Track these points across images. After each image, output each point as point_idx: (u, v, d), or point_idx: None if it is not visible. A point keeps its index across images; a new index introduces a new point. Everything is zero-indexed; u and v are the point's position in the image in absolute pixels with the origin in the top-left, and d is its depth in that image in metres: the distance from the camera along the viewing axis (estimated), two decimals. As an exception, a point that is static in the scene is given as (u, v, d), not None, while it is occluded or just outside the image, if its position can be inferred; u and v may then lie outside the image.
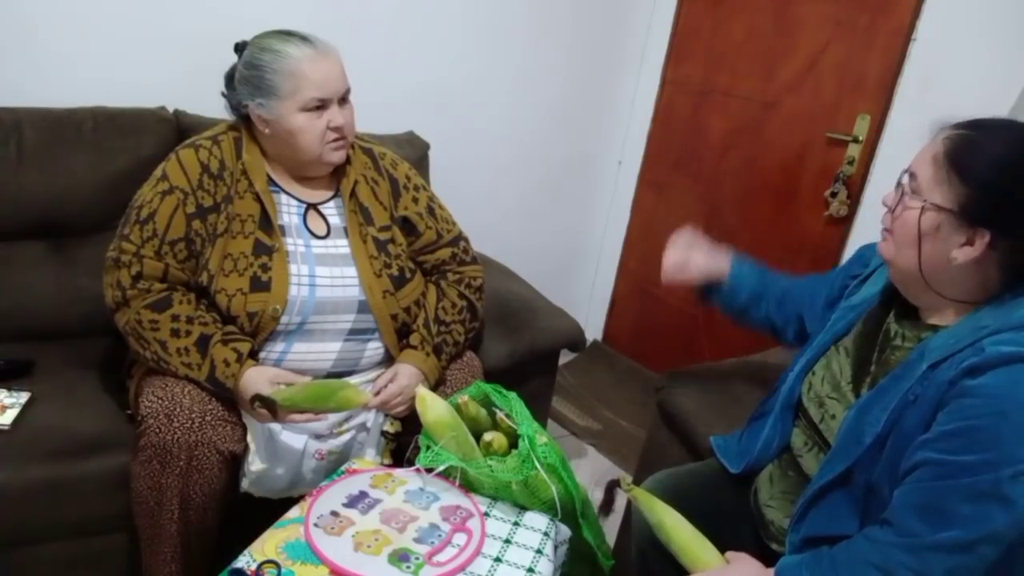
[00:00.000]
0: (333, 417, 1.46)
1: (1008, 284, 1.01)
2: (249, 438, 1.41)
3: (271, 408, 1.31)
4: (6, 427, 1.40)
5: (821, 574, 1.02)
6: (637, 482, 1.34)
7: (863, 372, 1.14)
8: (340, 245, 1.51)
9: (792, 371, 1.29)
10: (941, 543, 0.93)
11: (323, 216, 1.53)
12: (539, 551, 1.22)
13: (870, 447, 1.03)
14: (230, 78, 1.48)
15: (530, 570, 1.18)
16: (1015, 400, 0.91)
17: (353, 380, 1.51)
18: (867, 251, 1.33)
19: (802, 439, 1.23)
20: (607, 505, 1.38)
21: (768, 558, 1.19)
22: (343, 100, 1.46)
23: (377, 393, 1.47)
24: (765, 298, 1.44)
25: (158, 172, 1.46)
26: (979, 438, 0.92)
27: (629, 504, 1.44)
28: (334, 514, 1.21)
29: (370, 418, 1.53)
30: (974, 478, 0.92)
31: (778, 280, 1.45)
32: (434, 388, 1.52)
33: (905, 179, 1.06)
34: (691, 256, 1.43)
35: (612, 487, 1.30)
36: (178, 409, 1.32)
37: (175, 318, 1.38)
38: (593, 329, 3.10)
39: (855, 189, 2.20)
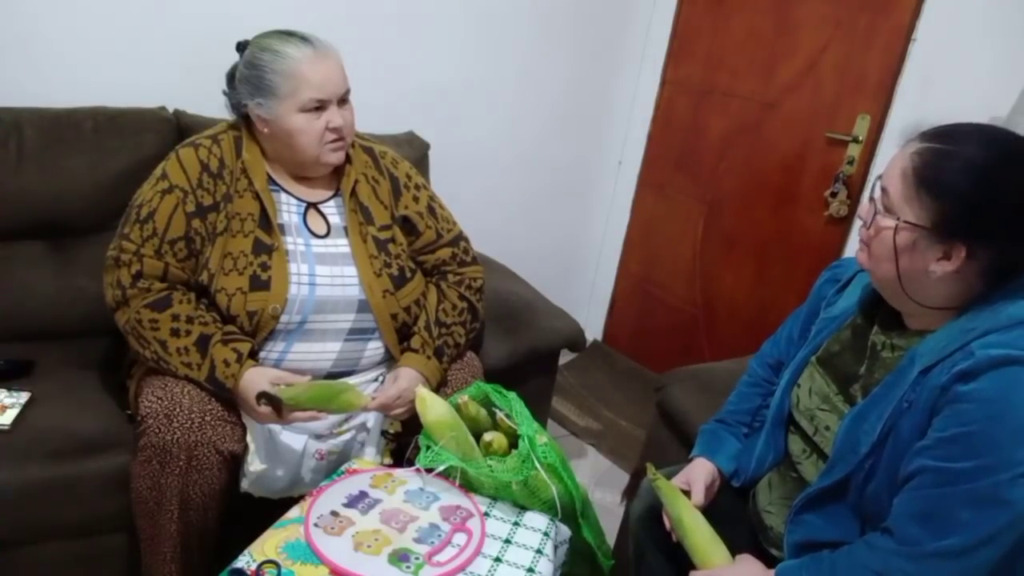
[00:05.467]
0: (333, 417, 1.46)
1: (990, 286, 1.01)
2: (249, 438, 1.40)
3: (276, 406, 1.31)
4: (6, 427, 1.40)
5: None
6: (635, 482, 1.34)
7: (851, 382, 1.14)
8: (340, 244, 1.51)
9: (779, 387, 1.29)
10: (942, 550, 0.93)
11: (323, 215, 1.53)
12: (539, 551, 1.22)
13: (867, 455, 1.03)
14: (231, 77, 1.48)
15: (530, 570, 1.18)
16: (1008, 403, 0.91)
17: (353, 380, 1.51)
18: (836, 268, 1.33)
19: (800, 446, 1.22)
20: (632, 492, 1.38)
21: (767, 562, 1.19)
22: (343, 101, 1.46)
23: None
24: (759, 411, 1.39)
25: (158, 171, 1.46)
26: (975, 443, 0.92)
27: (628, 504, 1.44)
28: (334, 514, 1.21)
29: (370, 418, 1.53)
30: (972, 484, 0.92)
31: (753, 399, 1.41)
32: (435, 389, 1.52)
33: (878, 193, 1.06)
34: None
35: (639, 472, 1.30)
36: (178, 409, 1.32)
37: (175, 317, 1.38)
38: (593, 329, 3.10)
39: (855, 189, 2.20)
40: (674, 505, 1.22)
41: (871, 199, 1.07)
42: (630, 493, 1.39)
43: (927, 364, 0.99)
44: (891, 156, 1.07)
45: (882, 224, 1.03)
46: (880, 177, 1.06)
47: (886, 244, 1.02)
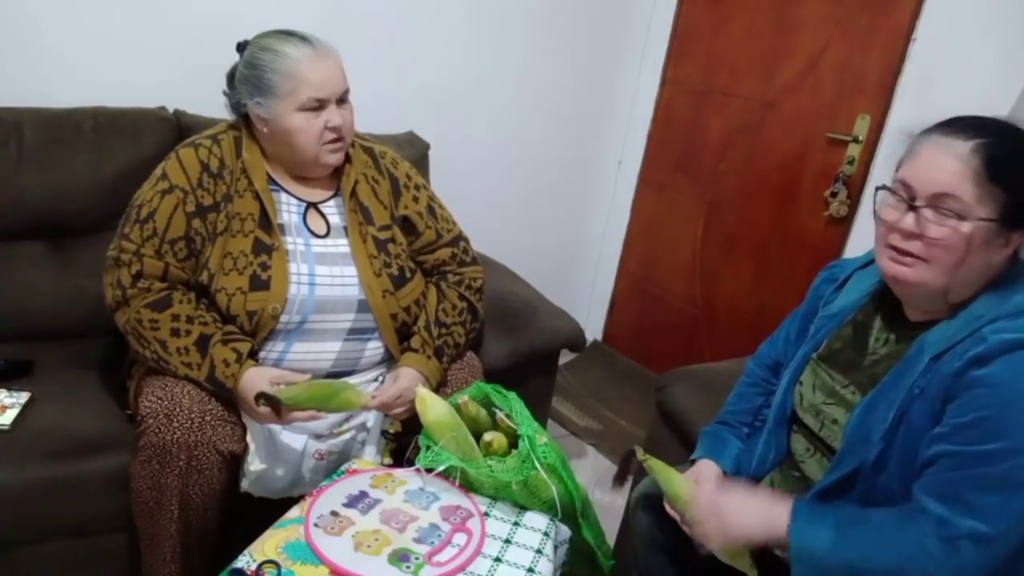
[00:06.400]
0: (333, 417, 1.46)
1: (1006, 273, 1.03)
2: (249, 438, 1.40)
3: (276, 406, 1.31)
4: (6, 427, 1.40)
5: (844, 530, 1.00)
6: (625, 467, 1.35)
7: (856, 375, 1.15)
8: (340, 244, 1.51)
9: (779, 386, 1.29)
10: (965, 532, 0.93)
11: (323, 215, 1.53)
12: (539, 551, 1.22)
13: (879, 444, 1.04)
14: (231, 77, 1.48)
15: (530, 570, 1.18)
16: (1022, 388, 0.92)
17: (353, 380, 1.51)
18: (833, 268, 1.33)
19: (803, 445, 1.23)
20: (621, 477, 1.38)
21: (768, 561, 1.19)
22: (342, 100, 1.46)
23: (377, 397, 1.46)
24: (759, 411, 1.39)
25: (158, 171, 1.46)
26: (991, 428, 0.93)
27: (628, 503, 1.44)
28: (334, 514, 1.21)
29: (370, 418, 1.53)
30: (991, 468, 0.93)
31: (752, 398, 1.41)
32: (435, 389, 1.52)
33: (921, 202, 1.00)
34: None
35: (628, 457, 1.30)
36: (178, 409, 1.32)
37: (175, 317, 1.38)
38: (593, 329, 3.10)
39: (855, 189, 2.20)
40: (668, 481, 1.23)
41: (913, 209, 1.01)
42: (619, 478, 1.39)
43: (937, 351, 1.00)
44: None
45: (953, 226, 0.99)
46: (907, 186, 1.02)
47: (958, 249, 0.99)
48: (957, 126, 1.02)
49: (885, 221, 1.05)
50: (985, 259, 1.00)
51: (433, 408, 1.30)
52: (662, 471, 1.24)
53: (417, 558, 1.14)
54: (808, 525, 1.03)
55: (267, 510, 1.31)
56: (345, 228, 1.53)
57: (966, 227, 0.98)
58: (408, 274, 1.57)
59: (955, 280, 1.02)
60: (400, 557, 1.14)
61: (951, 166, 0.99)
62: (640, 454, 1.26)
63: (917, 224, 1.01)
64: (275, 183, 1.50)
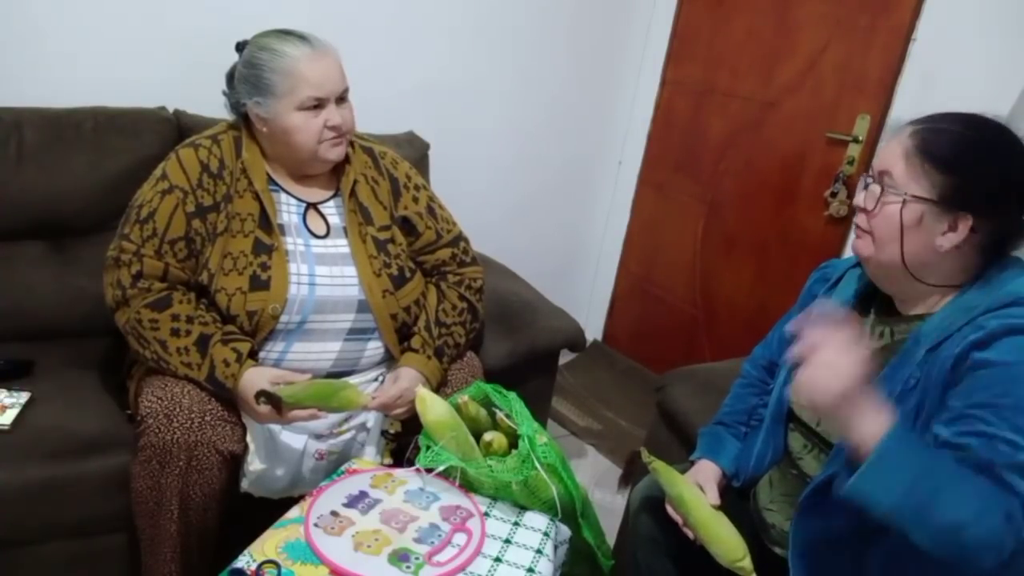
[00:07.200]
0: (333, 417, 1.46)
1: (989, 262, 1.04)
2: (249, 438, 1.40)
3: (276, 404, 1.31)
4: (6, 427, 1.40)
5: (922, 480, 0.89)
6: (630, 469, 1.35)
7: None
8: (340, 244, 1.51)
9: (775, 385, 1.30)
10: None
11: (323, 215, 1.53)
12: (539, 551, 1.22)
13: None
14: (231, 77, 1.48)
15: (530, 570, 1.18)
16: None
17: (353, 380, 1.51)
18: (826, 268, 1.35)
19: (800, 442, 1.23)
20: (626, 478, 1.38)
21: (769, 561, 1.19)
22: (341, 99, 1.46)
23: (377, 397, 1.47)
24: (755, 410, 1.40)
25: (158, 171, 1.46)
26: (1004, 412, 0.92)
27: (628, 504, 1.44)
28: (334, 514, 1.21)
29: (370, 418, 1.53)
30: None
31: (748, 399, 1.42)
32: (435, 389, 1.52)
33: (870, 180, 1.08)
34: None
35: (632, 459, 1.30)
36: (178, 409, 1.32)
37: (175, 317, 1.38)
38: (593, 329, 3.10)
39: (855, 189, 2.20)
40: (673, 484, 1.23)
41: (866, 187, 1.09)
42: (624, 480, 1.40)
43: (933, 342, 1.01)
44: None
45: (888, 201, 1.04)
46: (869, 169, 1.08)
47: (892, 223, 1.04)
48: (927, 116, 1.06)
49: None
50: (926, 241, 1.02)
51: (433, 408, 1.30)
52: (666, 473, 1.24)
53: (417, 558, 1.14)
54: (898, 451, 0.90)
55: (267, 510, 1.31)
56: (345, 228, 1.53)
57: (895, 198, 1.03)
58: (408, 274, 1.57)
59: (912, 262, 1.04)
60: (400, 557, 1.14)
61: (893, 147, 1.06)
62: (645, 456, 1.26)
63: (864, 199, 1.08)
64: (275, 183, 1.50)
